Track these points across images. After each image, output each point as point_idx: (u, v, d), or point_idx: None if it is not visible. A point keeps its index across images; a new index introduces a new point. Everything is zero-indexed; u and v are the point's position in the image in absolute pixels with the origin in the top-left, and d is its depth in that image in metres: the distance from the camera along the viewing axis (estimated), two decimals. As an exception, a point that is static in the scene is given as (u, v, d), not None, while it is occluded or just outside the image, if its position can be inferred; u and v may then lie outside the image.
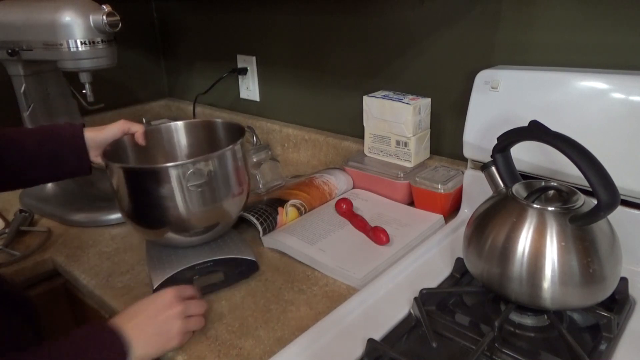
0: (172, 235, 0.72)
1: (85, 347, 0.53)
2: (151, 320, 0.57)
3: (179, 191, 0.68)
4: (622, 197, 0.54)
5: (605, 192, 0.52)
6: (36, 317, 0.70)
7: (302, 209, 0.91)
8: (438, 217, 0.87)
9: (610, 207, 0.53)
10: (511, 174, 0.66)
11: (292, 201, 0.90)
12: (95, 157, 0.78)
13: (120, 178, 0.70)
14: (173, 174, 0.67)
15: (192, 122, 0.87)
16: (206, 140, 0.86)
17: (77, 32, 0.82)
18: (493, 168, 0.66)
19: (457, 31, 0.90)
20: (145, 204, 0.70)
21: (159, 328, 0.57)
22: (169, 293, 0.60)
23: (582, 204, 0.58)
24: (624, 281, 0.63)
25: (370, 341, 0.56)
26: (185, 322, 0.59)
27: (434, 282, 0.70)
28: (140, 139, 0.79)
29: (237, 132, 0.79)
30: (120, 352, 0.54)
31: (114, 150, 0.77)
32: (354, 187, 1.02)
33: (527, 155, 0.74)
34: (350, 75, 1.10)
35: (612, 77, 0.68)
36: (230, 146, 0.72)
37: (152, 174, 0.68)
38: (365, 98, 0.98)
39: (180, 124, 0.86)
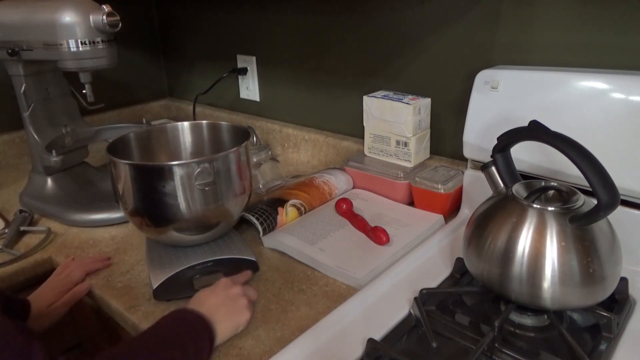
0: (174, 234, 0.73)
1: (177, 331, 0.58)
2: (220, 302, 0.63)
3: (187, 189, 0.68)
4: (622, 197, 0.54)
5: (605, 192, 0.52)
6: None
7: (302, 209, 0.91)
8: (438, 217, 0.87)
9: (610, 207, 0.53)
10: (511, 174, 0.66)
11: (292, 201, 0.90)
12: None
13: (128, 175, 0.70)
14: (182, 172, 0.67)
15: (198, 123, 0.87)
16: (210, 142, 0.87)
17: (77, 32, 0.82)
18: (493, 168, 0.66)
19: (457, 31, 0.89)
20: (151, 201, 0.70)
21: (229, 307, 0.63)
22: (223, 280, 0.67)
23: (582, 204, 0.58)
24: (624, 281, 0.63)
25: (370, 341, 0.56)
26: (246, 296, 0.65)
27: (434, 282, 0.70)
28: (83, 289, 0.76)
29: (242, 134, 0.80)
30: (209, 331, 0.59)
31: (119, 148, 0.77)
32: (354, 187, 1.02)
33: (527, 155, 0.74)
34: (350, 75, 1.10)
35: (612, 77, 0.68)
36: (238, 147, 0.73)
37: (161, 171, 0.68)
38: (365, 98, 0.98)
39: (186, 124, 0.87)
